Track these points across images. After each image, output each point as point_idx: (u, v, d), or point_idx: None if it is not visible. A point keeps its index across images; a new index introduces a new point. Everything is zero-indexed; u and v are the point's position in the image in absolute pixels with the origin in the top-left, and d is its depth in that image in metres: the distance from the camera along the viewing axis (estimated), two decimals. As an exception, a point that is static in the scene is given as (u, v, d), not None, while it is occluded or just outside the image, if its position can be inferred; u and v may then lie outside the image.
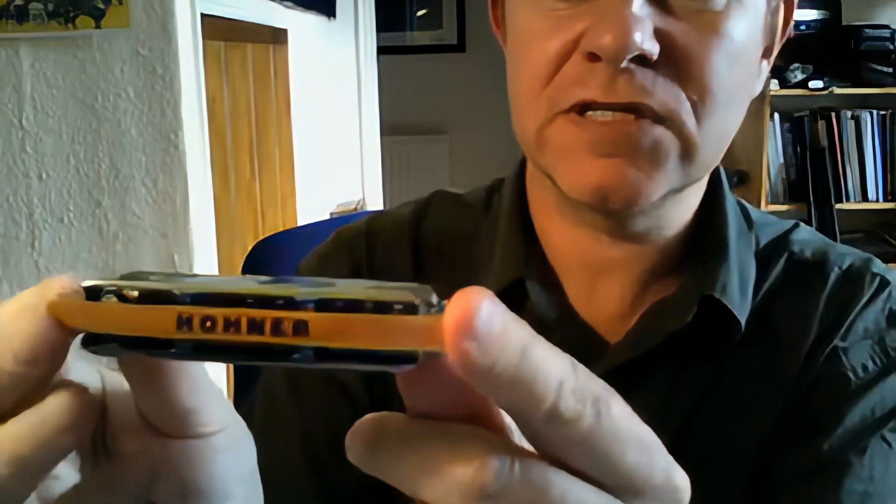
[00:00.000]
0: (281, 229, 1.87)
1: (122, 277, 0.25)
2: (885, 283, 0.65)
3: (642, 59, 0.53)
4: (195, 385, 0.28)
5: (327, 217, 2.35)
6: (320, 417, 0.66)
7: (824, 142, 3.37)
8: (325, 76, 2.65)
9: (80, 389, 0.27)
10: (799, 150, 3.39)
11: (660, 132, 0.55)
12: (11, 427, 0.26)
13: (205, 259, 1.65)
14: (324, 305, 0.24)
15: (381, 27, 3.17)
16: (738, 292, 0.62)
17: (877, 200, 3.38)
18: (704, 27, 0.55)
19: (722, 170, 0.66)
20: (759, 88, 0.62)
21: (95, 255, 1.59)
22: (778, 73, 3.23)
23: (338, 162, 2.80)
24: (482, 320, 0.22)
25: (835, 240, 0.70)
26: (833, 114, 3.36)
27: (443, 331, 0.22)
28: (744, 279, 0.63)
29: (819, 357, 0.63)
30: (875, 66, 3.28)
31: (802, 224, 0.70)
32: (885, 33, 3.30)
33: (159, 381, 0.27)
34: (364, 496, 0.61)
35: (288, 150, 2.36)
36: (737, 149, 3.38)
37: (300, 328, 0.23)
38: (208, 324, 0.24)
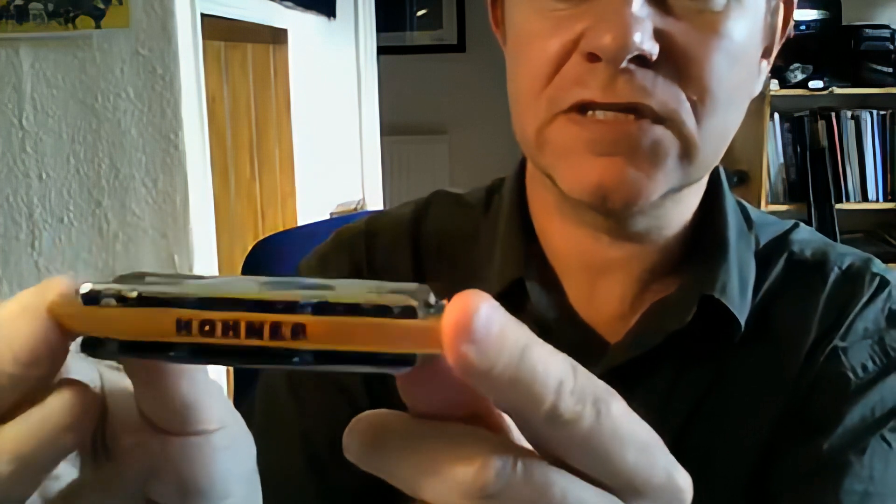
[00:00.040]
0: (281, 229, 1.87)
1: (122, 278, 0.25)
2: (884, 282, 0.65)
3: (642, 60, 0.53)
4: (195, 382, 0.28)
5: (327, 217, 2.35)
6: (320, 417, 0.66)
7: (824, 142, 3.37)
8: (325, 76, 2.64)
9: (81, 388, 0.27)
10: (799, 150, 3.39)
11: (659, 132, 0.55)
12: (13, 427, 0.26)
13: (205, 259, 1.65)
14: (322, 309, 0.23)
15: (381, 27, 3.16)
16: (738, 292, 0.62)
17: (877, 200, 3.38)
18: (704, 27, 0.55)
19: (722, 170, 0.67)
20: (758, 88, 0.62)
21: (95, 255, 1.59)
22: (778, 73, 3.23)
23: (338, 162, 2.80)
24: (480, 323, 0.22)
25: (835, 240, 0.70)
26: (833, 114, 3.36)
27: (441, 334, 0.22)
28: (744, 279, 0.63)
29: (819, 357, 0.63)
30: (875, 66, 3.28)
31: (802, 224, 0.70)
32: (885, 33, 3.30)
33: (160, 378, 0.27)
34: (364, 496, 0.61)
35: (288, 150, 2.36)
36: (737, 149, 3.38)
37: (298, 332, 0.23)
38: (207, 327, 0.24)
